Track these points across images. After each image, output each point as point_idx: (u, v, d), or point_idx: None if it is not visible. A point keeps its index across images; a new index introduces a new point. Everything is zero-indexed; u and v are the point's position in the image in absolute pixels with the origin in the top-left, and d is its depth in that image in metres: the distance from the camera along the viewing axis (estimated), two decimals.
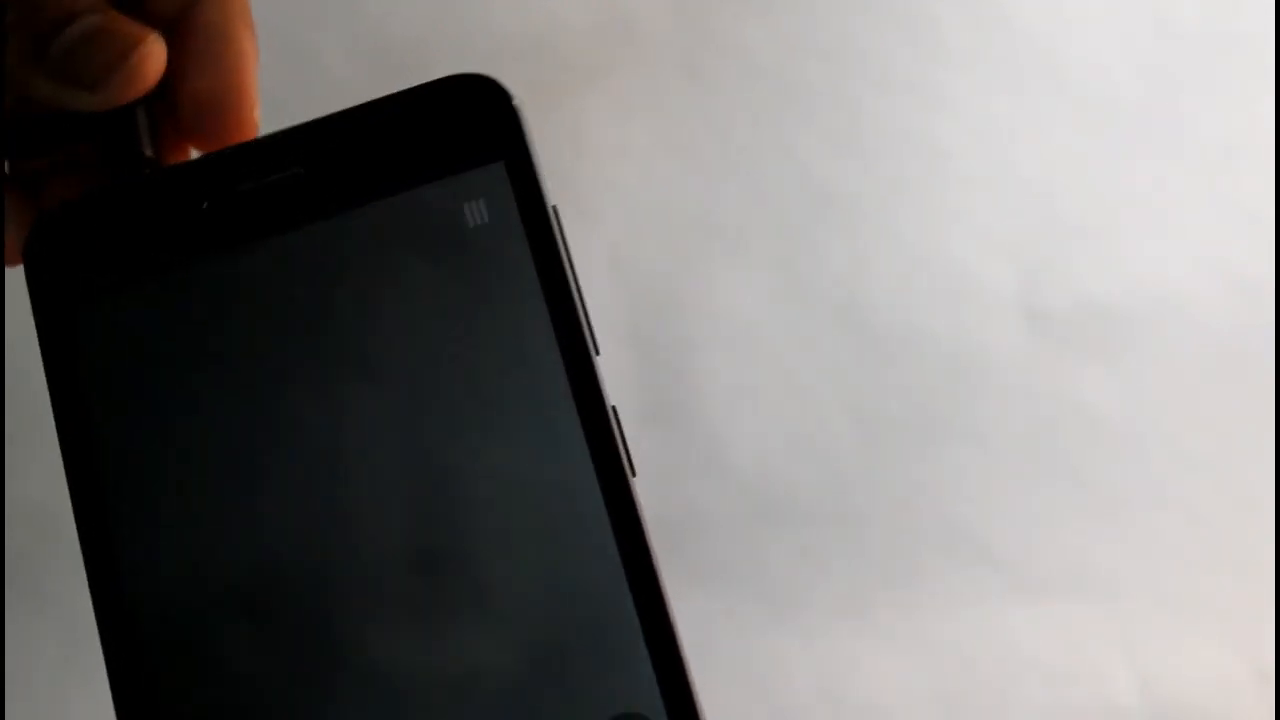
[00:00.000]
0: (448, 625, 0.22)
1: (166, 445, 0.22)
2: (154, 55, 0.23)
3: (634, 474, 0.23)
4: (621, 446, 0.23)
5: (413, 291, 0.23)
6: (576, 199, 0.54)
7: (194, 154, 0.26)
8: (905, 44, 0.58)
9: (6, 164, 0.26)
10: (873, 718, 0.49)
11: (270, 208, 0.23)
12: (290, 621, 0.22)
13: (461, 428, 0.22)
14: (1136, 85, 0.58)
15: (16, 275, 0.27)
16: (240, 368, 0.23)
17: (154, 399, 0.23)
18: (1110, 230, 0.56)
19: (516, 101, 0.24)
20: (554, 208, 0.24)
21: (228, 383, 0.23)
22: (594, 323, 0.23)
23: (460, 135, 0.24)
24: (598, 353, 0.23)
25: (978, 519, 0.51)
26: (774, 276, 0.54)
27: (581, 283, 0.24)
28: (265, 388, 0.23)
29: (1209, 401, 0.53)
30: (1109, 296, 0.55)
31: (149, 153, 0.25)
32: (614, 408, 0.23)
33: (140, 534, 0.22)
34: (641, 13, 0.57)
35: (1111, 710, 0.49)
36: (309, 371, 0.23)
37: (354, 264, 0.23)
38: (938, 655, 0.49)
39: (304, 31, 0.55)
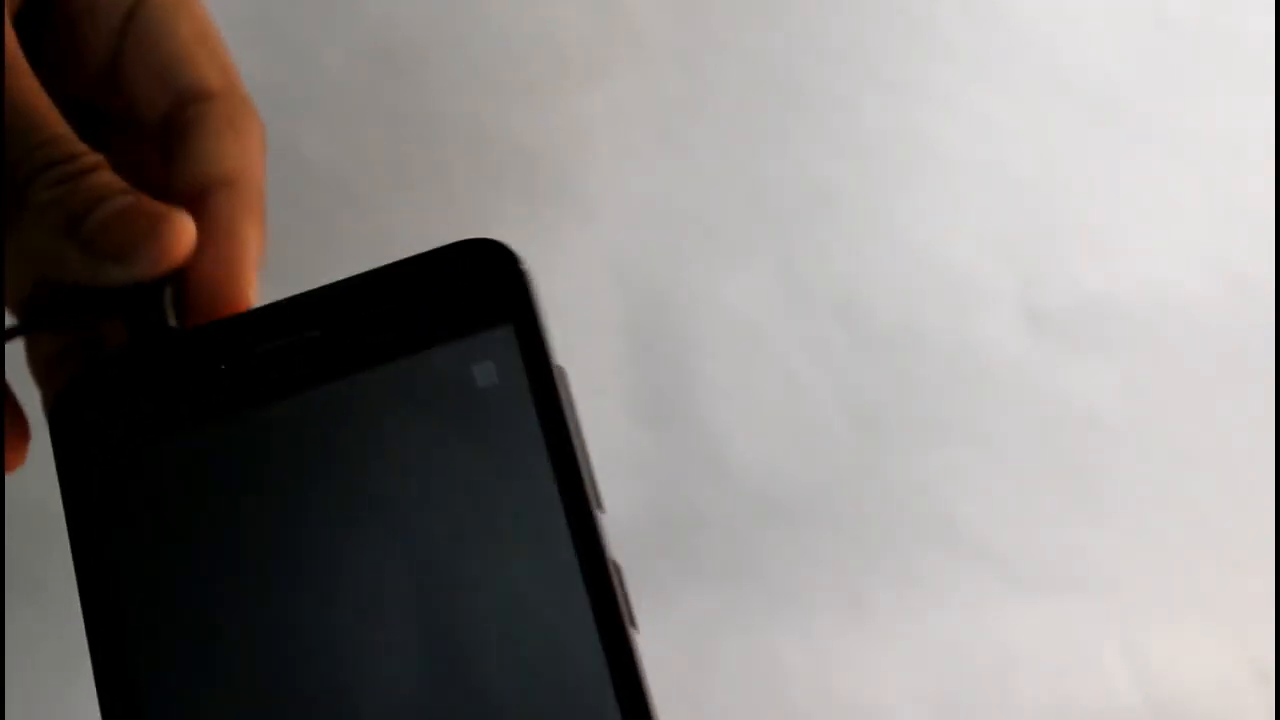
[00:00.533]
0: None
1: (186, 599, 0.23)
2: (184, 231, 0.25)
3: (635, 628, 0.23)
4: (623, 600, 0.23)
5: (424, 449, 0.24)
6: (577, 199, 0.54)
7: None
8: (905, 43, 0.58)
9: (26, 342, 0.27)
10: (873, 718, 0.49)
11: (287, 369, 0.24)
12: None
13: (468, 584, 0.23)
14: (1136, 84, 0.58)
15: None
16: (258, 525, 0.24)
17: (174, 555, 0.24)
18: (1110, 230, 0.56)
19: (524, 265, 0.25)
20: (559, 368, 0.25)
21: (246, 539, 0.23)
22: (594, 467, 0.24)
23: (470, 298, 0.25)
24: (602, 510, 0.24)
25: (977, 518, 0.51)
26: (774, 276, 0.54)
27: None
28: (282, 544, 0.23)
29: (1209, 400, 0.53)
30: (1109, 296, 0.55)
31: (174, 324, 0.26)
32: (616, 563, 0.24)
33: (162, 687, 0.23)
34: (641, 13, 0.57)
35: (1111, 709, 0.49)
36: (323, 528, 0.24)
37: (367, 423, 0.24)
38: (937, 654, 0.49)
39: (304, 31, 0.55)
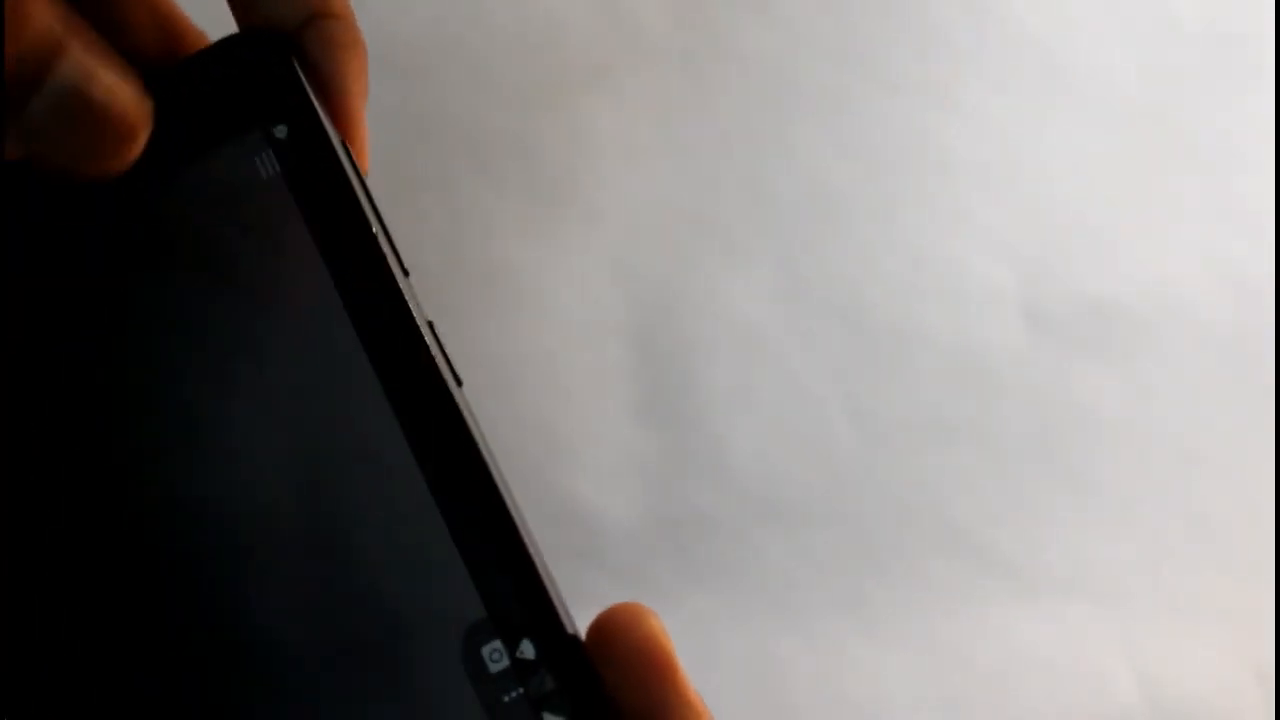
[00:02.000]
0: (278, 567, 0.22)
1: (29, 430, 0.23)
2: (138, 138, 0.22)
3: (460, 383, 0.23)
4: (442, 357, 0.23)
5: (223, 244, 0.24)
6: (576, 199, 0.54)
7: None
8: (906, 44, 0.58)
9: None
10: (873, 718, 0.49)
11: (84, 194, 0.24)
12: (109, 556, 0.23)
13: (277, 359, 0.23)
14: (1137, 85, 0.58)
15: None
16: (68, 340, 0.24)
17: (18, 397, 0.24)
18: (1110, 230, 0.56)
19: (291, 48, 0.25)
20: (342, 143, 0.25)
21: (57, 358, 0.23)
22: (402, 251, 0.25)
23: (244, 94, 0.25)
24: (406, 274, 0.24)
25: (977, 519, 0.51)
26: (774, 276, 0.54)
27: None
28: (89, 358, 0.23)
29: (1209, 401, 0.53)
30: (1109, 296, 0.55)
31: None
32: (430, 322, 0.24)
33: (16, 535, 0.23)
34: (642, 13, 0.57)
35: (1112, 710, 0.49)
36: (135, 337, 0.24)
37: (168, 230, 0.24)
38: (938, 655, 0.49)
39: None
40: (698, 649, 0.49)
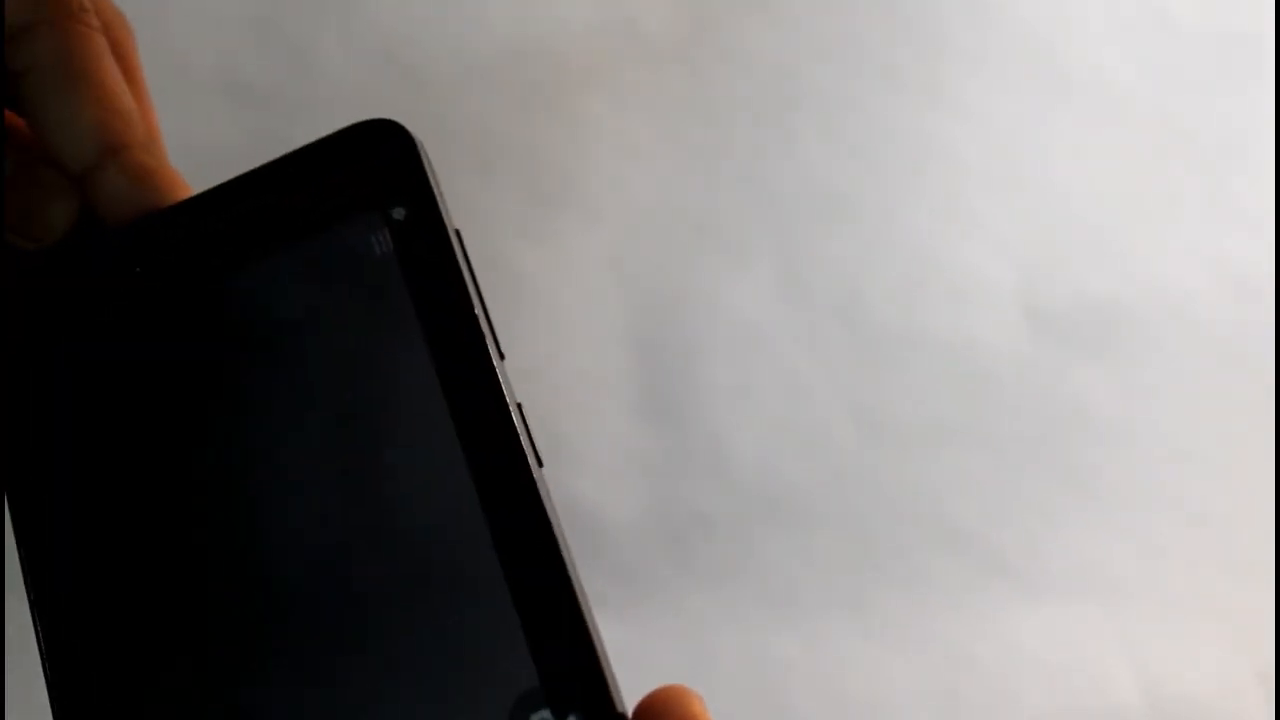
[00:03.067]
0: (360, 635, 0.23)
1: (108, 492, 0.24)
2: (67, 214, 0.25)
3: (540, 464, 0.25)
4: (526, 439, 0.24)
5: (333, 317, 0.25)
6: (577, 199, 0.54)
7: None
8: (906, 43, 0.58)
9: None
10: (873, 717, 0.49)
11: (198, 264, 0.26)
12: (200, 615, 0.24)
13: (383, 444, 0.25)
14: (1138, 85, 0.58)
15: None
16: (184, 412, 0.25)
17: (98, 448, 0.25)
18: (1110, 230, 0.56)
19: (415, 138, 0.27)
20: (456, 231, 0.26)
21: (170, 429, 0.25)
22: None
23: (365, 176, 0.26)
24: (502, 357, 0.25)
25: (977, 518, 0.51)
26: (774, 276, 0.54)
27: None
28: (204, 431, 0.25)
29: (1209, 401, 0.53)
30: (1110, 296, 0.55)
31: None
32: (519, 404, 0.25)
33: (82, 560, 0.24)
34: (642, 12, 0.57)
35: (1112, 710, 0.49)
36: (244, 411, 0.25)
37: (282, 301, 0.25)
38: (938, 655, 0.49)
39: (304, 31, 0.55)
40: (698, 649, 0.49)
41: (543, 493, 0.24)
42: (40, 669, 0.25)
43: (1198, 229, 0.56)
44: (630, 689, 0.24)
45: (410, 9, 0.56)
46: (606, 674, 0.23)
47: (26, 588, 0.24)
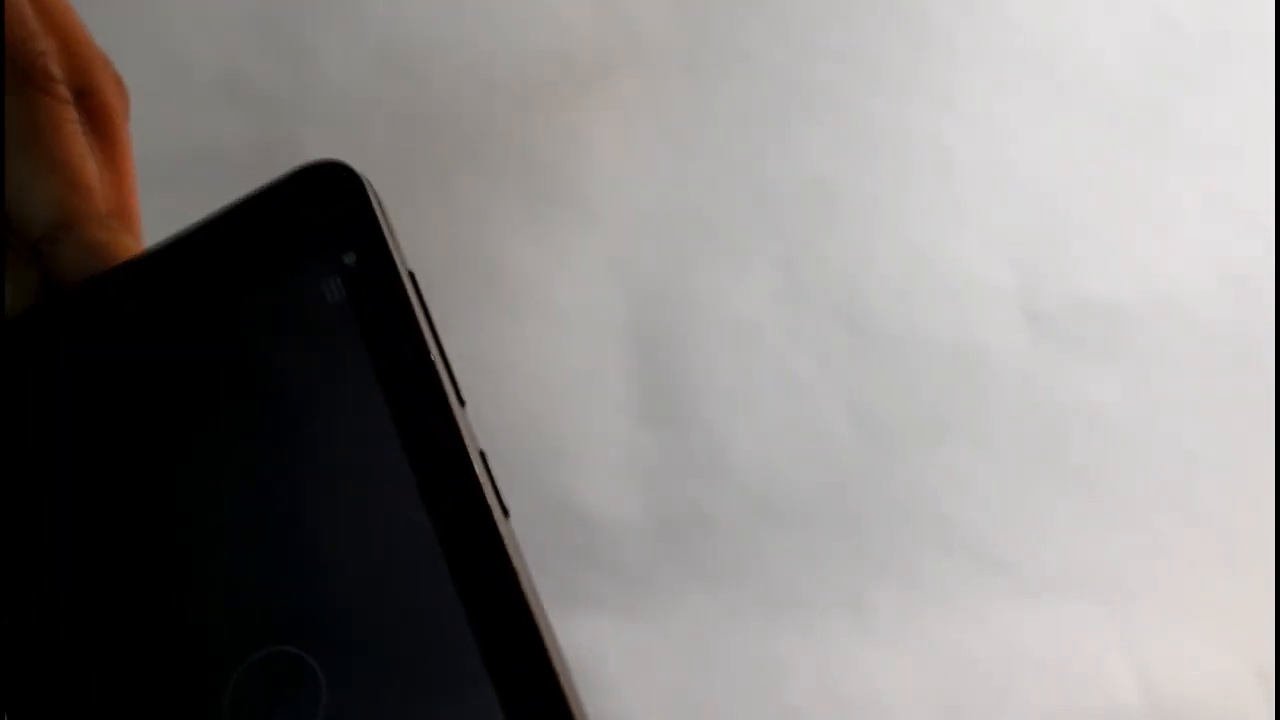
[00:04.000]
0: (313, 692, 0.23)
1: (65, 534, 0.24)
2: (25, 281, 0.26)
3: (506, 514, 0.24)
4: (491, 489, 0.24)
5: (287, 366, 0.25)
6: (577, 199, 0.54)
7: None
8: (906, 44, 0.58)
9: None
10: (873, 718, 0.49)
11: (156, 314, 0.25)
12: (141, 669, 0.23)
13: (331, 492, 0.24)
14: (1137, 85, 0.58)
15: None
16: (145, 455, 0.25)
17: (53, 489, 0.25)
18: (1110, 230, 0.56)
19: (365, 181, 0.26)
20: (410, 273, 0.26)
21: (129, 472, 0.25)
22: (456, 372, 0.25)
23: (315, 221, 0.26)
24: (463, 404, 0.25)
25: (977, 518, 0.51)
26: (774, 276, 0.54)
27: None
28: (156, 464, 0.25)
29: (1209, 401, 0.53)
30: (1109, 296, 0.55)
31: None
32: (482, 452, 0.24)
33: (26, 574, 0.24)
34: (643, 14, 0.57)
35: (1111, 710, 0.49)
36: (199, 447, 0.25)
37: (234, 350, 0.25)
38: (938, 655, 0.49)
39: (304, 32, 0.55)
40: (698, 649, 0.49)
41: (510, 546, 0.23)
42: None
43: (1198, 229, 0.56)
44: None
45: (410, 10, 0.56)
46: None
47: None
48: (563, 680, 0.22)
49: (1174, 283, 0.55)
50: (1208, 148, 0.57)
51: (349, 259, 0.25)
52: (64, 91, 0.27)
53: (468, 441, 0.24)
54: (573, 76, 0.56)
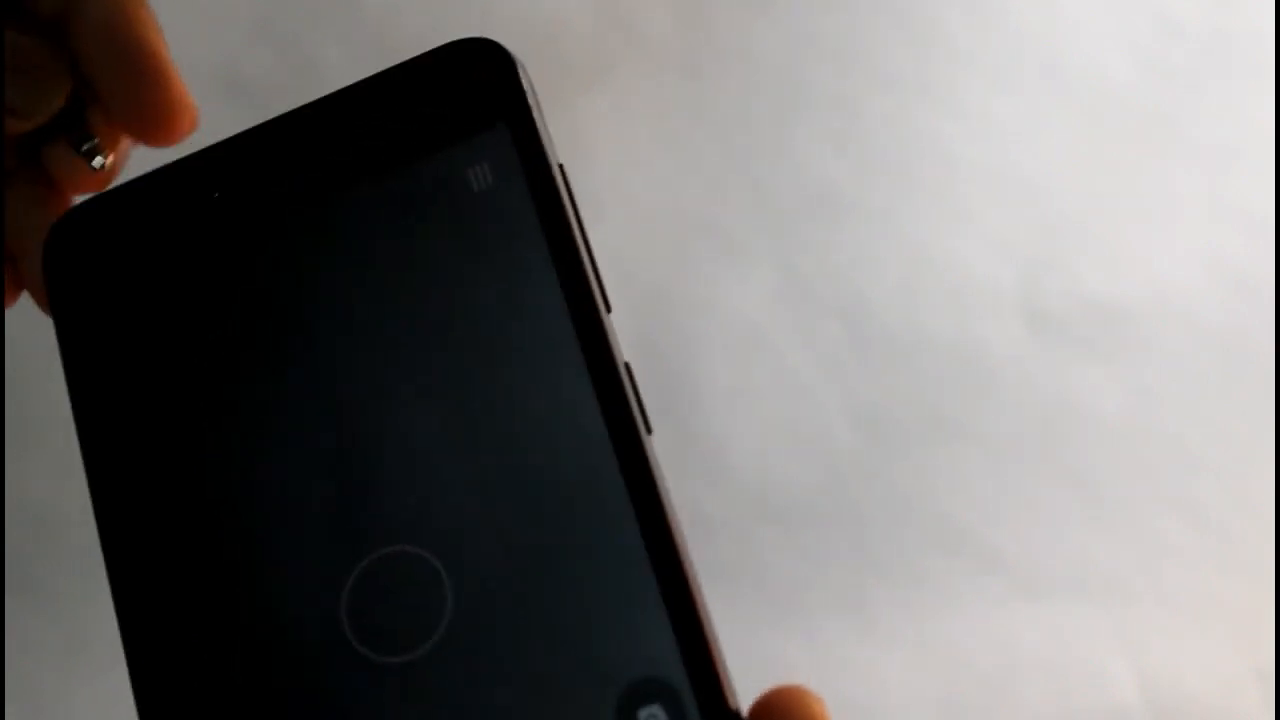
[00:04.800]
0: (463, 592, 0.21)
1: (188, 434, 0.23)
2: (61, 81, 0.24)
3: (649, 431, 0.22)
4: (635, 403, 0.22)
5: (425, 261, 0.23)
6: (576, 199, 0.54)
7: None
8: (906, 44, 0.58)
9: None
10: (873, 717, 0.49)
11: (282, 192, 0.23)
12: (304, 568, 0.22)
13: (482, 394, 0.22)
14: (1137, 85, 0.58)
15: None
16: (266, 355, 0.23)
17: (173, 391, 0.23)
18: (1110, 230, 0.56)
19: (517, 61, 0.24)
20: (560, 165, 0.24)
21: (252, 372, 0.23)
22: (605, 280, 0.23)
23: (461, 102, 0.24)
24: (609, 310, 0.23)
25: (977, 519, 0.51)
26: (774, 276, 0.54)
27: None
28: (290, 369, 0.23)
29: (1209, 401, 0.53)
30: (1109, 296, 0.55)
31: (100, 145, 0.25)
32: (627, 364, 0.23)
33: (164, 519, 0.22)
34: (642, 13, 0.57)
35: (1111, 710, 0.49)
36: (334, 352, 0.23)
37: (368, 241, 0.23)
38: (938, 655, 0.49)
39: (304, 31, 0.56)
40: None
41: (654, 464, 0.22)
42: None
43: (1197, 229, 0.56)
44: None
45: (410, 9, 0.56)
46: (721, 669, 0.21)
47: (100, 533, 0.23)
48: (705, 618, 0.21)
49: (1174, 283, 0.55)
50: (1208, 148, 0.57)
51: (498, 145, 0.23)
52: None
53: (615, 352, 0.22)
54: (573, 76, 0.56)
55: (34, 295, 0.25)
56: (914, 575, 0.50)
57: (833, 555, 0.50)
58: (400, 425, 0.22)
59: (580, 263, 0.23)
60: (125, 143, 0.26)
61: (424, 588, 0.21)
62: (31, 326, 0.28)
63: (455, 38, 0.25)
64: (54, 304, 0.24)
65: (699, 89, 0.56)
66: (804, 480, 0.51)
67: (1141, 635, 0.50)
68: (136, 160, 0.27)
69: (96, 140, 0.25)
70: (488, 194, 0.23)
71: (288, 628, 0.21)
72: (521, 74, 0.24)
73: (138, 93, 0.24)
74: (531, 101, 0.24)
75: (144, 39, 0.25)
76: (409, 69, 0.24)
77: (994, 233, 0.55)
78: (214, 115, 0.55)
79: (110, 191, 0.24)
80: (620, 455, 0.22)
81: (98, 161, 0.25)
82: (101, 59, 0.24)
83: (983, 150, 0.56)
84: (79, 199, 0.25)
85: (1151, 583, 0.51)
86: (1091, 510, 0.52)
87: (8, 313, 0.28)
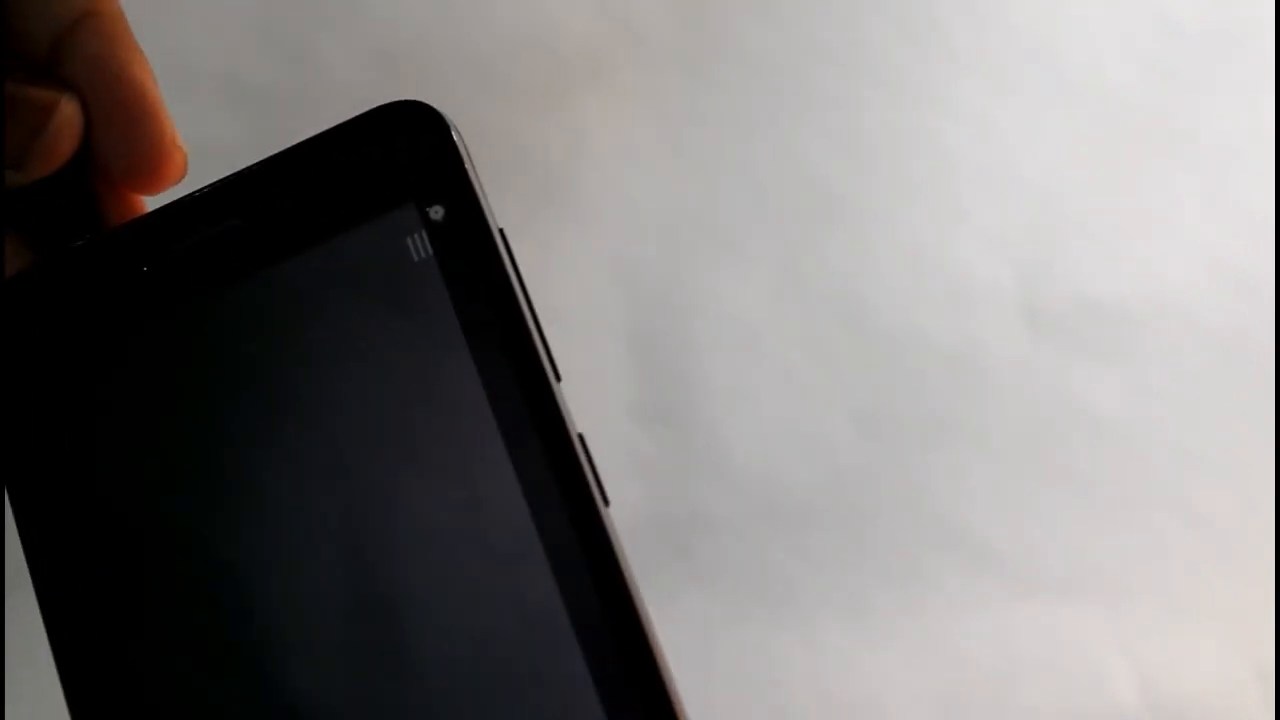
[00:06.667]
0: (398, 680, 0.21)
1: (113, 497, 0.22)
2: (70, 121, 0.23)
3: (607, 503, 0.22)
4: (591, 475, 0.22)
5: (361, 332, 0.22)
6: (577, 199, 0.54)
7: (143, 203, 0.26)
8: (906, 44, 0.58)
9: None
10: (873, 718, 0.49)
11: (212, 262, 0.23)
12: (231, 667, 0.21)
13: (421, 464, 0.22)
14: (1137, 85, 0.58)
15: None
16: (190, 423, 0.22)
17: (105, 463, 0.22)
18: (1110, 230, 0.56)
19: (451, 125, 0.24)
20: (500, 230, 0.23)
21: (177, 439, 0.22)
22: (552, 347, 0.23)
23: (394, 167, 0.23)
24: (559, 379, 0.23)
25: (978, 519, 0.51)
26: (774, 276, 0.54)
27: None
28: (215, 442, 0.22)
29: (1209, 401, 0.53)
30: (1109, 296, 0.55)
31: (86, 216, 0.25)
32: (580, 435, 0.22)
33: (84, 590, 0.22)
34: (642, 13, 0.57)
35: (1111, 710, 0.49)
36: (263, 423, 0.22)
37: (299, 311, 0.22)
38: (937, 655, 0.49)
39: (304, 31, 0.56)
40: (697, 649, 0.49)
41: (614, 540, 0.21)
42: (42, 670, 0.24)
43: (1197, 229, 0.56)
44: None
45: (410, 9, 0.56)
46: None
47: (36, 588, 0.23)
48: (669, 685, 0.20)
49: (1174, 283, 0.55)
50: (1208, 148, 0.57)
51: (436, 212, 0.22)
52: None
53: (567, 421, 0.22)
54: (572, 76, 0.56)
55: None
56: (913, 575, 0.50)
57: (832, 555, 0.50)
58: (339, 513, 0.22)
59: (527, 331, 0.22)
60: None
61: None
62: None
63: (393, 99, 0.24)
64: None
65: (699, 89, 0.56)
66: (804, 480, 0.51)
67: (1141, 635, 0.50)
68: None
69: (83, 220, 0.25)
70: (427, 263, 0.22)
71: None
72: (455, 136, 0.23)
73: (127, 134, 0.24)
74: (468, 165, 0.23)
75: (136, 79, 0.24)
76: (339, 134, 0.24)
77: (994, 233, 0.55)
78: (215, 116, 0.55)
79: (51, 258, 0.24)
80: (580, 529, 0.21)
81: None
82: (93, 99, 0.24)
83: (982, 150, 0.56)
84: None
85: (1151, 583, 0.51)
86: (1091, 510, 0.52)
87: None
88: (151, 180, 0.24)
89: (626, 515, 0.51)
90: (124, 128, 0.24)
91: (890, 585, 0.50)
